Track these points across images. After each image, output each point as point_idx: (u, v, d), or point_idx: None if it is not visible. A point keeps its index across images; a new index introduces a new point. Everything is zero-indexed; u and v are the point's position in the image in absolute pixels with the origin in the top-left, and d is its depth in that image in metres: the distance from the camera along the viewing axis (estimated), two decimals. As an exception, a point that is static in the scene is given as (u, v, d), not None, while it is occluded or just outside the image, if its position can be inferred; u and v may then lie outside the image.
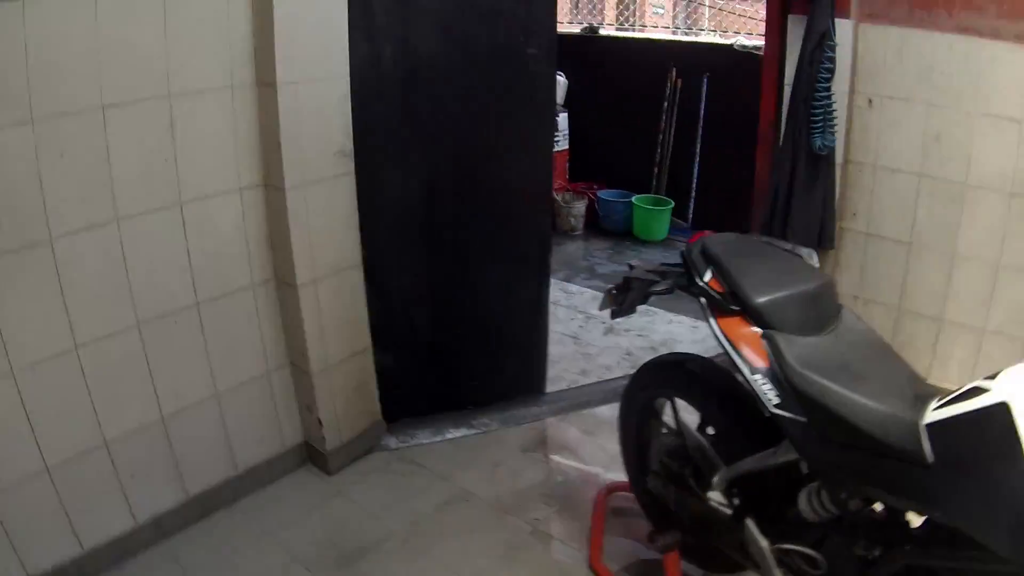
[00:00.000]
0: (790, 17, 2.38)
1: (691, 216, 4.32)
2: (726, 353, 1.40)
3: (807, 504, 1.38)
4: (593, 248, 4.17)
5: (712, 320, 1.43)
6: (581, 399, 2.54)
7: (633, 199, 4.24)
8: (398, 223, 2.15)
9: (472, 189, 2.21)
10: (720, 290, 1.42)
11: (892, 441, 1.14)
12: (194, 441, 1.87)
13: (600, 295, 3.46)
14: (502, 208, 2.27)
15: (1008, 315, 2.30)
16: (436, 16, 2.00)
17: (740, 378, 1.39)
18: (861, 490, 1.28)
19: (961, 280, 2.31)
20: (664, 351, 2.83)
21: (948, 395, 1.14)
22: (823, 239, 2.42)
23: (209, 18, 1.67)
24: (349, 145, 1.92)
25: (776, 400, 1.29)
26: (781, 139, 2.41)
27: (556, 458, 2.28)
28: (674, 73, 4.30)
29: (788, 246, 1.65)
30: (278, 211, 1.85)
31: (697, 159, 4.33)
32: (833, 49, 2.23)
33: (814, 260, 1.60)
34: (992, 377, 1.08)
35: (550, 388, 2.57)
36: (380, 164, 2.05)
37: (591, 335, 3.02)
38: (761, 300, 1.35)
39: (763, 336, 1.33)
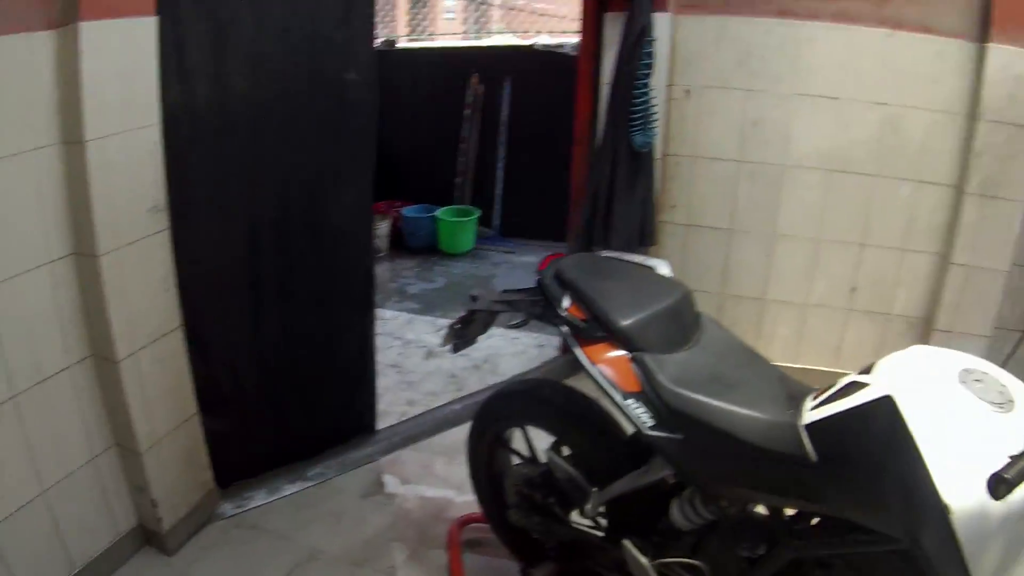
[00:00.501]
0: (607, 15, 2.80)
1: (499, 224, 4.87)
2: (595, 382, 1.56)
3: (681, 514, 1.59)
4: (400, 268, 4.56)
5: (577, 349, 1.59)
6: (413, 431, 2.84)
7: (437, 212, 4.69)
8: (219, 276, 2.25)
9: (296, 230, 2.38)
10: (582, 317, 1.59)
11: (774, 446, 1.34)
12: (25, 547, 1.88)
13: (413, 316, 3.95)
14: (328, 247, 2.46)
15: (829, 288, 3.04)
16: (251, 49, 2.11)
17: (610, 405, 1.56)
18: (743, 496, 1.49)
19: (782, 259, 3.00)
20: (487, 368, 3.27)
21: (824, 393, 1.35)
22: (644, 237, 2.90)
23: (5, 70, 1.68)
24: (162, 199, 2.00)
25: (651, 422, 1.48)
26: (600, 139, 2.83)
27: (399, 497, 2.51)
28: (475, 80, 4.91)
29: (638, 258, 1.87)
30: (92, 281, 1.90)
31: (501, 165, 4.80)
32: (651, 45, 2.64)
33: (665, 270, 1.82)
34: (867, 371, 1.31)
35: (380, 424, 2.83)
36: (197, 215, 2.12)
37: (412, 361, 3.37)
38: (625, 323, 1.54)
39: (632, 360, 1.52)
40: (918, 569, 1.21)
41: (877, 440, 1.22)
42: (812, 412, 1.32)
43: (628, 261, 1.86)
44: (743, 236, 3.00)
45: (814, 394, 1.39)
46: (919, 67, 2.80)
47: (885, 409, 1.20)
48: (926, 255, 3.05)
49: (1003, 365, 1.31)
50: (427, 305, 4.10)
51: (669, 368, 1.48)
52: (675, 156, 2.95)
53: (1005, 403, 1.23)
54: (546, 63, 4.44)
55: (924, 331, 3.18)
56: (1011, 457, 1.06)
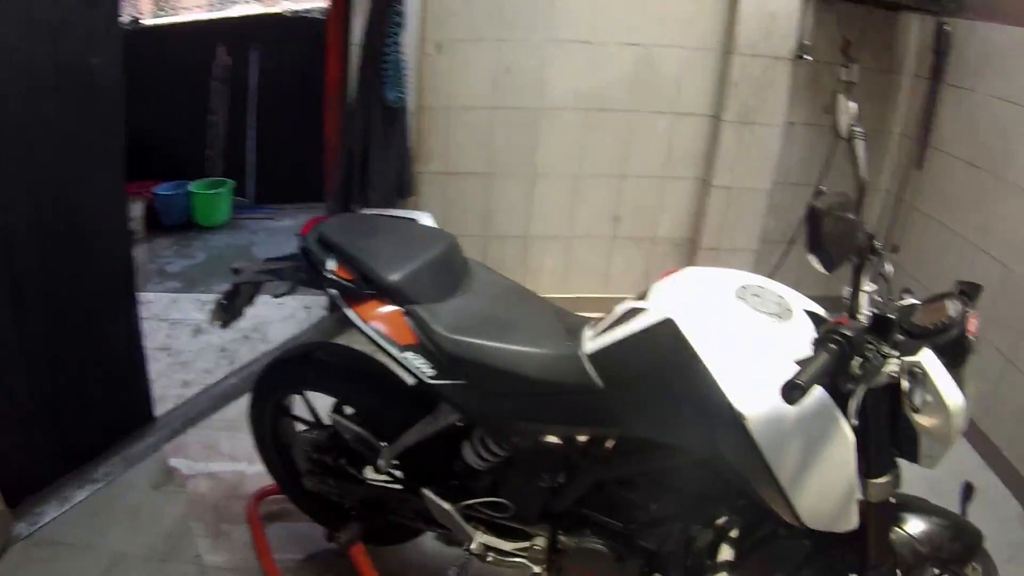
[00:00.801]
0: None
1: (255, 192, 5.09)
2: (370, 340, 1.65)
3: (474, 455, 1.72)
4: (158, 249, 4.62)
5: (349, 310, 1.68)
6: (192, 412, 2.95)
7: (190, 187, 4.79)
8: (-26, 286, 2.19)
9: (51, 226, 2.39)
10: (350, 277, 1.68)
11: (558, 378, 1.49)
12: None
13: (177, 295, 4.06)
14: (86, 238, 2.50)
15: (593, 219, 3.40)
16: (-8, 43, 2.06)
17: (388, 360, 1.68)
18: (533, 430, 1.65)
19: (544, 197, 3.32)
20: (257, 338, 3.42)
21: (603, 321, 1.50)
22: (403, 189, 3.12)
23: None
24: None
25: (432, 372, 1.60)
26: (352, 99, 3.01)
27: (191, 482, 2.61)
28: (224, 51, 5.10)
29: (401, 213, 1.99)
30: None
31: (253, 134, 4.95)
32: (402, 2, 2.86)
33: (428, 221, 1.94)
34: (642, 296, 1.47)
35: (159, 410, 2.91)
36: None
37: (181, 342, 3.47)
38: (395, 278, 1.64)
39: (405, 313, 1.63)
40: (721, 474, 1.39)
41: (662, 362, 1.37)
42: (594, 341, 1.48)
43: (391, 216, 1.98)
44: (503, 179, 3.29)
45: (593, 323, 1.55)
46: (673, 10, 3.20)
47: (667, 332, 1.36)
48: (687, 180, 3.50)
49: (771, 275, 1.54)
50: (190, 282, 4.19)
51: (443, 316, 1.60)
52: (430, 108, 3.19)
53: (783, 312, 1.40)
54: (295, 29, 4.68)
55: (691, 251, 3.64)
56: (799, 363, 1.17)
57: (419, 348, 1.61)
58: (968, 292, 1.37)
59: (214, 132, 4.96)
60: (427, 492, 1.80)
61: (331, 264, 1.72)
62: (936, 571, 1.51)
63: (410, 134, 3.12)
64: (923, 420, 1.24)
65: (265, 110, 4.93)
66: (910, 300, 1.39)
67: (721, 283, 1.48)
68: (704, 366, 1.32)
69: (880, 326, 1.26)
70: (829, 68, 3.42)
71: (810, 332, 1.39)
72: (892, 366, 1.23)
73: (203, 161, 5.01)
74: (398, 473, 1.96)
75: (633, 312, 1.45)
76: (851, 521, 1.36)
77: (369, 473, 1.98)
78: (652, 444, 1.51)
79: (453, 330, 1.59)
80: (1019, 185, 2.81)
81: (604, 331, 1.48)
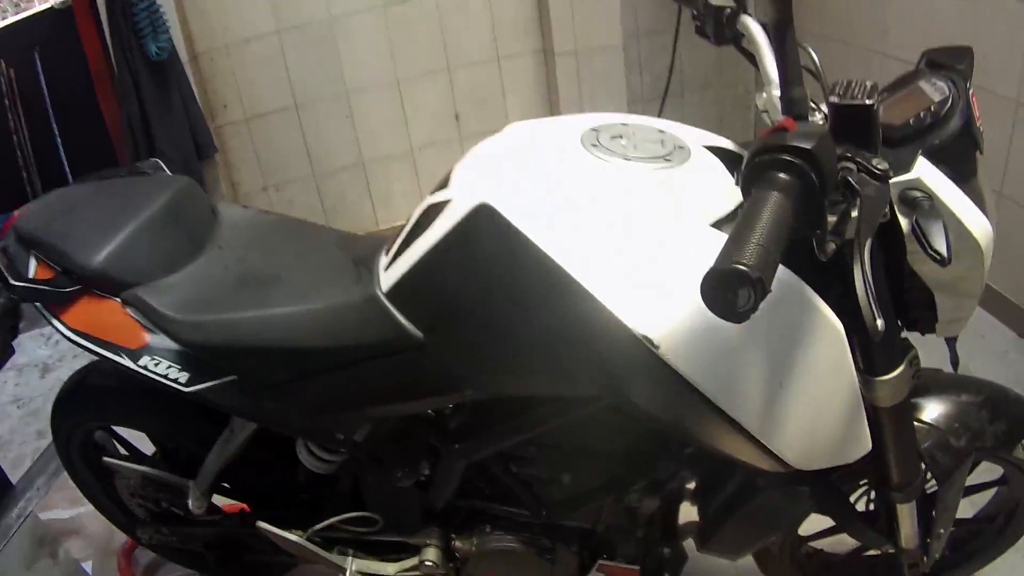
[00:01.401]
0: None
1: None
2: (93, 355, 1.40)
3: (311, 457, 1.48)
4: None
5: (55, 321, 1.41)
6: (52, 467, 2.94)
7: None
8: None
9: None
10: (49, 275, 1.41)
11: (357, 339, 1.21)
12: None
13: (20, 337, 4.05)
14: None
15: (431, 125, 3.48)
16: None
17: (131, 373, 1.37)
18: (357, 421, 1.34)
19: (368, 114, 3.38)
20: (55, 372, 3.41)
21: (396, 240, 1.23)
22: (201, 150, 3.11)
23: None
24: None
25: (184, 376, 1.32)
26: (115, 65, 2.99)
27: (63, 550, 2.61)
28: (3, 64, 5.13)
29: (142, 167, 1.78)
30: None
31: (60, 141, 5.25)
32: None
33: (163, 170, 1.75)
34: (443, 185, 1.17)
35: (16, 475, 2.95)
36: None
37: (30, 387, 3.54)
38: (99, 258, 1.36)
39: (124, 304, 1.35)
40: (631, 416, 1.09)
41: (489, 275, 1.09)
42: (390, 272, 1.21)
43: (113, 173, 1.75)
44: (314, 107, 3.34)
45: (386, 246, 1.27)
46: None
47: (484, 226, 1.07)
48: (526, 55, 3.57)
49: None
50: (32, 318, 4.25)
51: (177, 293, 1.33)
52: (206, 52, 3.20)
53: (672, 152, 1.12)
54: (71, 19, 4.73)
55: (553, 133, 3.78)
56: (722, 224, 1.00)
57: (155, 348, 1.35)
58: (946, 64, 1.12)
59: (23, 152, 4.95)
60: (263, 526, 1.56)
61: (31, 266, 1.44)
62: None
63: (192, 86, 3.11)
64: (938, 269, 0.95)
65: (65, 114, 4.93)
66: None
67: (559, 133, 1.19)
68: (559, 268, 1.01)
69: (854, 123, 0.91)
70: None
71: (724, 172, 1.13)
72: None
73: (21, 186, 5.01)
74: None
75: (433, 210, 1.15)
76: (862, 444, 1.09)
77: (194, 513, 1.73)
78: (523, 402, 1.24)
79: (193, 309, 1.30)
80: None
81: (399, 252, 1.20)
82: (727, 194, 1.08)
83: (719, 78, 4.10)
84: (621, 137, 1.15)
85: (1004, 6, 2.41)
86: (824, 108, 1.05)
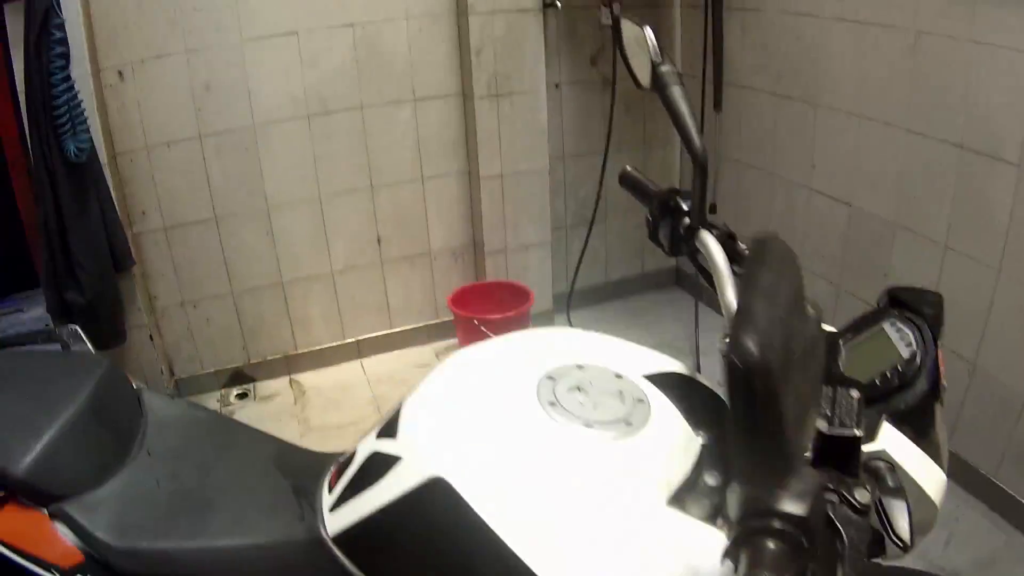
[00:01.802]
0: (7, 7, 2.82)
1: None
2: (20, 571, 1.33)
3: None
4: None
5: None
6: None
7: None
8: None
9: None
10: None
11: None
12: None
13: None
14: None
15: (352, 246, 3.60)
16: None
17: None
18: None
19: (287, 231, 3.49)
20: None
21: (340, 476, 1.26)
22: (119, 261, 3.08)
23: None
24: None
25: None
26: (32, 160, 2.92)
27: None
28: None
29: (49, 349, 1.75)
30: None
31: None
32: (62, 28, 2.70)
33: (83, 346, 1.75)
34: (389, 433, 1.21)
35: None
36: None
37: None
38: (24, 466, 1.33)
39: (51, 518, 1.34)
40: None
41: (446, 551, 1.11)
42: (337, 516, 1.24)
43: (25, 352, 1.77)
44: (233, 220, 3.43)
45: (328, 478, 1.31)
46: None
47: (440, 500, 1.09)
48: (450, 176, 3.77)
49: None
50: None
51: (109, 513, 1.33)
52: (126, 153, 3.23)
53: (633, 410, 1.16)
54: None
55: (476, 257, 3.93)
56: (727, 517, 0.98)
57: (89, 569, 1.32)
58: (910, 303, 1.19)
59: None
60: None
61: None
62: None
63: (111, 190, 3.11)
64: (899, 523, 0.98)
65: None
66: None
67: (512, 379, 1.22)
68: (513, 555, 1.03)
69: (839, 450, 0.92)
70: (586, 13, 3.75)
71: (682, 428, 1.18)
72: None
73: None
74: None
75: (381, 460, 1.19)
76: None
77: None
78: None
79: (127, 534, 1.31)
80: (838, 108, 3.23)
81: (345, 496, 1.23)
82: (686, 452, 1.13)
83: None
84: (579, 390, 1.19)
85: (934, 151, 2.83)
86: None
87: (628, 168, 1.62)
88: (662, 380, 1.28)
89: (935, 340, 1.15)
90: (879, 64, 2.99)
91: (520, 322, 3.73)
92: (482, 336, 3.41)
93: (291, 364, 3.78)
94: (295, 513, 1.34)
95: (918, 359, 1.12)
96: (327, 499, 1.28)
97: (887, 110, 3.01)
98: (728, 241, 1.34)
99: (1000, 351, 2.75)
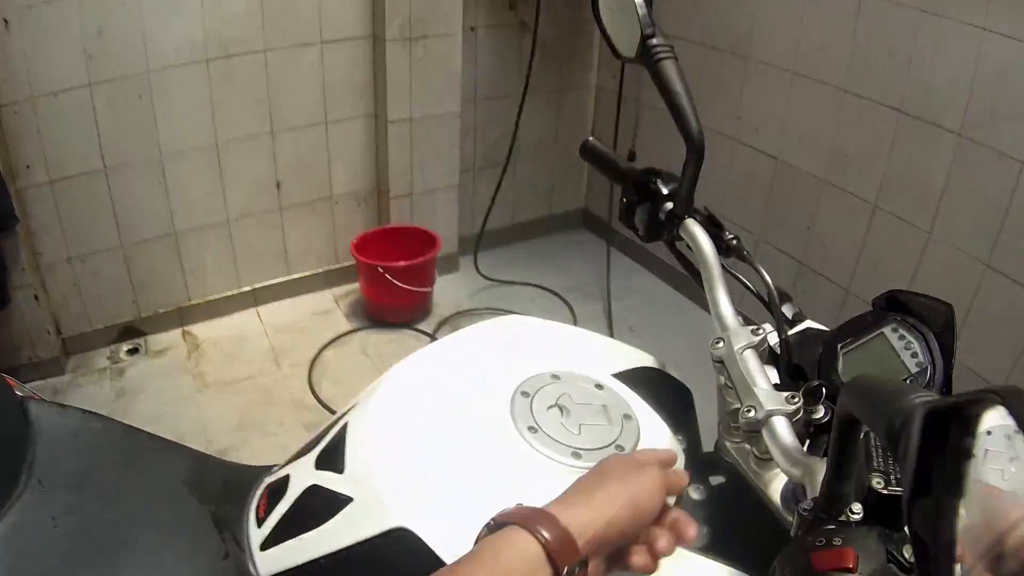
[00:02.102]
0: None
1: None
2: None
3: None
4: None
5: None
6: None
7: None
8: None
9: None
10: None
11: None
12: None
13: None
14: None
15: (250, 193, 3.74)
16: None
17: None
18: None
19: (182, 180, 3.58)
20: None
21: (278, 507, 1.15)
22: (5, 220, 3.12)
23: None
24: None
25: None
26: None
27: None
28: None
29: None
30: None
31: None
32: None
33: None
34: (333, 466, 1.12)
35: None
36: None
37: None
38: None
39: None
40: None
41: None
42: (269, 556, 1.13)
43: None
44: (125, 171, 3.51)
45: (254, 506, 1.22)
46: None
47: (405, 550, 1.01)
48: (357, 120, 3.89)
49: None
50: None
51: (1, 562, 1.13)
52: (9, 106, 3.24)
53: (620, 431, 1.13)
54: None
55: (381, 202, 4.10)
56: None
57: None
58: (915, 309, 1.18)
59: None
60: None
61: None
62: None
63: None
64: None
65: None
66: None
67: (480, 396, 1.17)
68: None
69: (890, 508, 0.88)
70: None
71: (669, 439, 1.18)
72: None
73: None
74: None
75: (324, 496, 1.11)
76: None
77: None
78: None
79: None
80: (770, 63, 3.46)
81: (280, 533, 1.14)
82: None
83: (554, 147, 4.61)
84: (560, 409, 1.14)
85: (871, 112, 3.15)
86: (767, 328, 1.17)
87: (591, 140, 1.57)
88: (633, 377, 1.29)
89: (948, 355, 1.13)
90: (819, 23, 3.24)
91: (426, 269, 3.94)
92: (387, 284, 3.67)
93: (184, 316, 3.92)
94: (217, 550, 1.17)
95: (928, 374, 1.10)
96: (256, 534, 1.17)
97: (823, 69, 3.27)
98: (714, 230, 1.32)
99: None
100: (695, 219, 1.33)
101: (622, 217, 1.45)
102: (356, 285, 4.15)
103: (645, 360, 1.37)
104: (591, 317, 4.25)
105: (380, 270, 3.79)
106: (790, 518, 1.00)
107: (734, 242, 1.31)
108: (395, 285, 3.80)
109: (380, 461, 1.11)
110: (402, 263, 3.83)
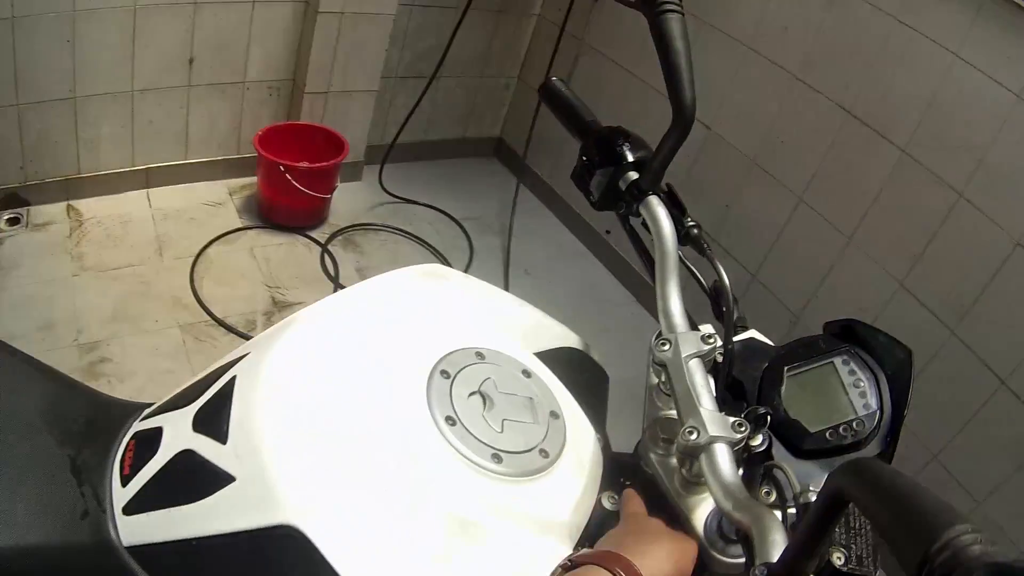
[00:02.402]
0: None
1: None
2: None
3: None
4: None
5: None
6: None
7: None
8: None
9: None
10: None
11: None
12: None
13: None
14: None
15: (160, 65, 3.64)
16: None
17: None
18: None
19: (90, 41, 3.43)
20: None
21: (148, 466, 1.04)
22: None
23: None
24: None
25: None
26: None
27: None
28: None
29: None
30: None
31: None
32: None
33: None
34: (213, 431, 1.01)
35: None
36: None
37: None
38: None
39: None
40: None
41: None
42: (133, 522, 1.05)
43: None
44: (31, 21, 3.35)
45: (118, 459, 1.13)
46: None
47: (291, 551, 0.92)
48: (286, 4, 3.80)
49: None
50: None
51: None
52: None
53: (547, 433, 1.09)
54: None
55: (291, 96, 4.06)
56: None
57: None
58: (869, 345, 1.22)
59: None
60: None
61: None
62: None
63: None
64: None
65: None
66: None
67: (393, 367, 1.10)
68: None
69: None
70: None
71: (594, 455, 1.14)
72: None
73: None
74: None
75: (205, 473, 1.00)
76: None
77: None
78: None
79: None
80: (727, 32, 3.60)
81: (147, 498, 1.06)
82: (595, 479, 1.11)
83: (482, 68, 4.66)
84: (483, 398, 1.08)
85: (819, 106, 3.26)
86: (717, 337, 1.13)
87: (556, 80, 1.51)
88: (556, 357, 1.25)
89: (901, 402, 1.14)
90: (787, 4, 3.35)
91: (329, 174, 3.96)
92: (286, 184, 3.68)
93: (71, 188, 3.82)
94: (75, 505, 1.06)
95: (876, 419, 1.11)
96: (119, 494, 1.07)
97: (781, 52, 3.40)
98: (675, 212, 1.29)
99: (826, 312, 3.19)
100: (659, 197, 1.30)
101: (575, 175, 1.39)
102: (254, 179, 4.11)
103: (571, 340, 1.34)
104: (488, 251, 4.35)
105: (281, 169, 3.76)
106: (714, 552, 1.02)
107: (695, 231, 1.28)
108: (294, 186, 3.79)
109: (270, 438, 0.98)
110: (305, 164, 3.83)
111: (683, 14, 1.22)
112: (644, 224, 1.29)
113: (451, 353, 1.11)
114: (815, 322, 3.26)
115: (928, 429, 3.11)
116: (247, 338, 3.06)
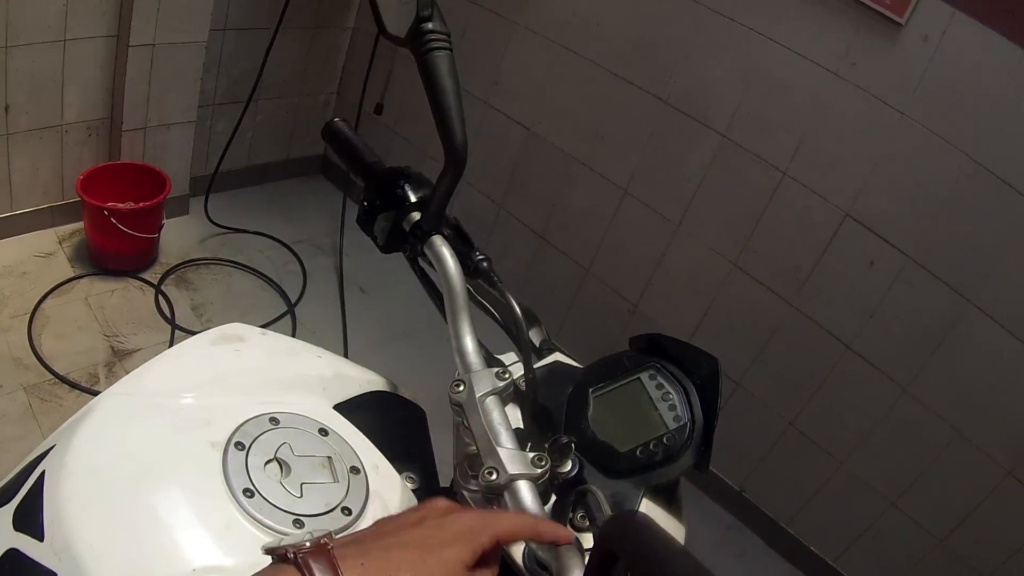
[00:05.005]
0: None
1: None
2: None
3: None
4: None
5: None
6: None
7: None
8: None
9: None
10: None
11: None
12: None
13: None
14: None
15: None
16: None
17: None
18: None
19: None
20: None
21: None
22: None
23: None
24: None
25: None
26: None
27: None
28: None
29: None
30: None
31: None
32: None
33: None
34: (31, 529, 1.00)
35: None
36: None
37: None
38: None
39: None
40: None
41: None
42: None
43: None
44: None
45: None
46: None
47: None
48: (96, 41, 3.86)
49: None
50: None
51: None
52: None
53: (347, 492, 1.13)
54: None
55: (112, 134, 4.13)
56: None
57: None
58: (675, 357, 1.27)
59: None
60: None
61: None
62: None
63: None
64: None
65: None
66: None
67: (189, 447, 1.12)
68: None
69: None
70: None
71: (401, 505, 1.20)
72: None
73: None
74: None
75: (28, 568, 1.01)
76: None
77: None
78: None
79: None
80: (539, 31, 3.81)
81: None
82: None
83: (300, 88, 4.83)
84: (279, 464, 1.12)
85: (635, 99, 3.53)
86: (513, 370, 1.18)
87: (338, 121, 1.55)
88: (361, 404, 1.30)
89: (710, 411, 1.19)
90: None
91: (153, 213, 4.05)
92: (111, 228, 3.88)
93: None
94: None
95: (687, 431, 1.17)
96: None
97: (593, 47, 3.64)
98: (463, 248, 1.33)
99: (662, 299, 3.60)
100: (443, 235, 1.34)
101: (359, 220, 1.43)
102: (81, 224, 4.15)
103: (374, 384, 1.37)
104: (322, 272, 4.52)
105: (105, 212, 3.84)
106: None
107: (484, 264, 1.33)
108: (120, 229, 3.87)
109: (82, 532, 1.00)
110: (129, 204, 3.93)
111: (451, 51, 1.26)
112: (432, 264, 1.33)
113: (245, 423, 1.15)
114: (654, 310, 3.58)
115: (780, 399, 3.44)
116: (93, 393, 3.13)
